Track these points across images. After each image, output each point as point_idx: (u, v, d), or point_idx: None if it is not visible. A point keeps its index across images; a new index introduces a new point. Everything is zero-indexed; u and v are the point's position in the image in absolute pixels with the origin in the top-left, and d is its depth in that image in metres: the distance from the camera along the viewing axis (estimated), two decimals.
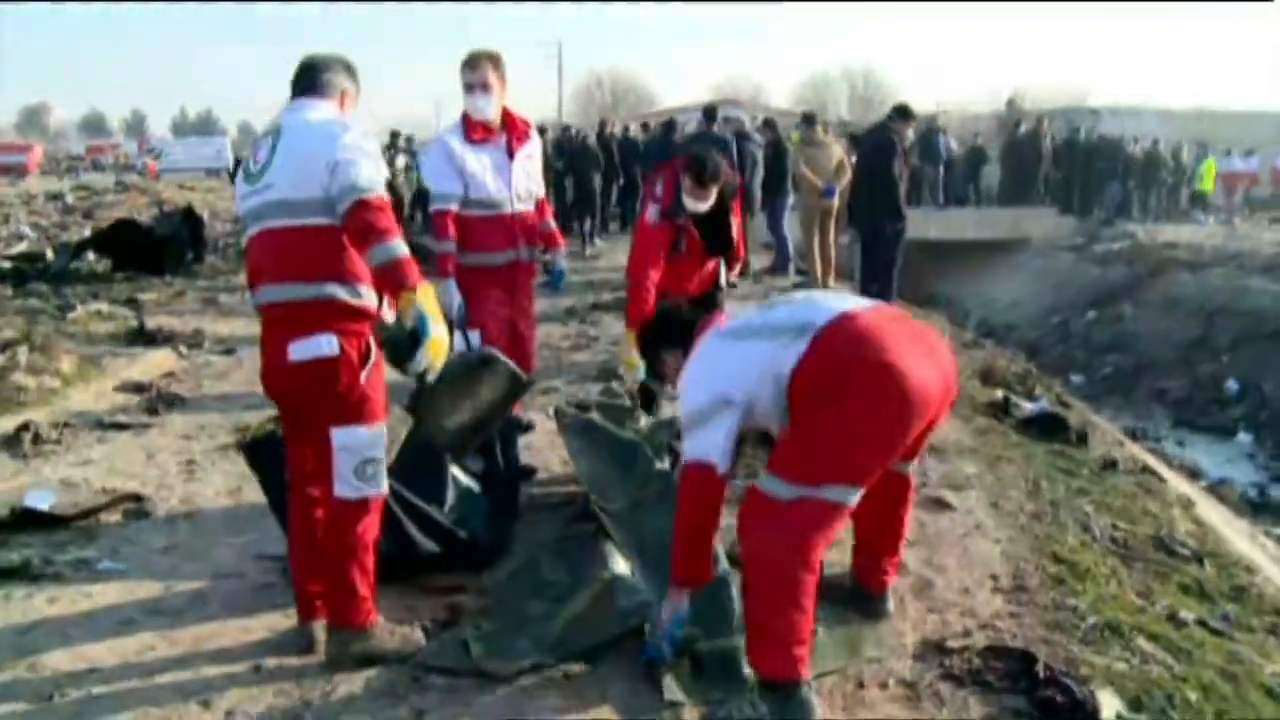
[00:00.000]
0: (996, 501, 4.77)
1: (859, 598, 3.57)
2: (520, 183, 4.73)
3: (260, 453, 3.96)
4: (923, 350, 3.00)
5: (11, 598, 3.83)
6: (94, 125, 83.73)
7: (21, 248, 14.27)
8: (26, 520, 4.51)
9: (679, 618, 3.20)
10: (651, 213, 4.95)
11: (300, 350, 3.11)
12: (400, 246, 3.00)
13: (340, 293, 3.13)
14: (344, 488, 3.22)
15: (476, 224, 4.64)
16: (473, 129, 4.64)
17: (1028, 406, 6.87)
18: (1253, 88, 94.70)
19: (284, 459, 3.46)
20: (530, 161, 4.82)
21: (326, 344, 3.11)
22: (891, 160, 8.92)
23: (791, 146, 12.68)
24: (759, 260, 13.00)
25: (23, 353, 7.35)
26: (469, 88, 4.58)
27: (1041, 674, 3.07)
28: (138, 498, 4.88)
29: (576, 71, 66.74)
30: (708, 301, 5.13)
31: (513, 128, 4.72)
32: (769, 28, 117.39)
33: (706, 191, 4.84)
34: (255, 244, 3.25)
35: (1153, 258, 18.25)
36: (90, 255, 13.17)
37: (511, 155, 4.69)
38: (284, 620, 3.58)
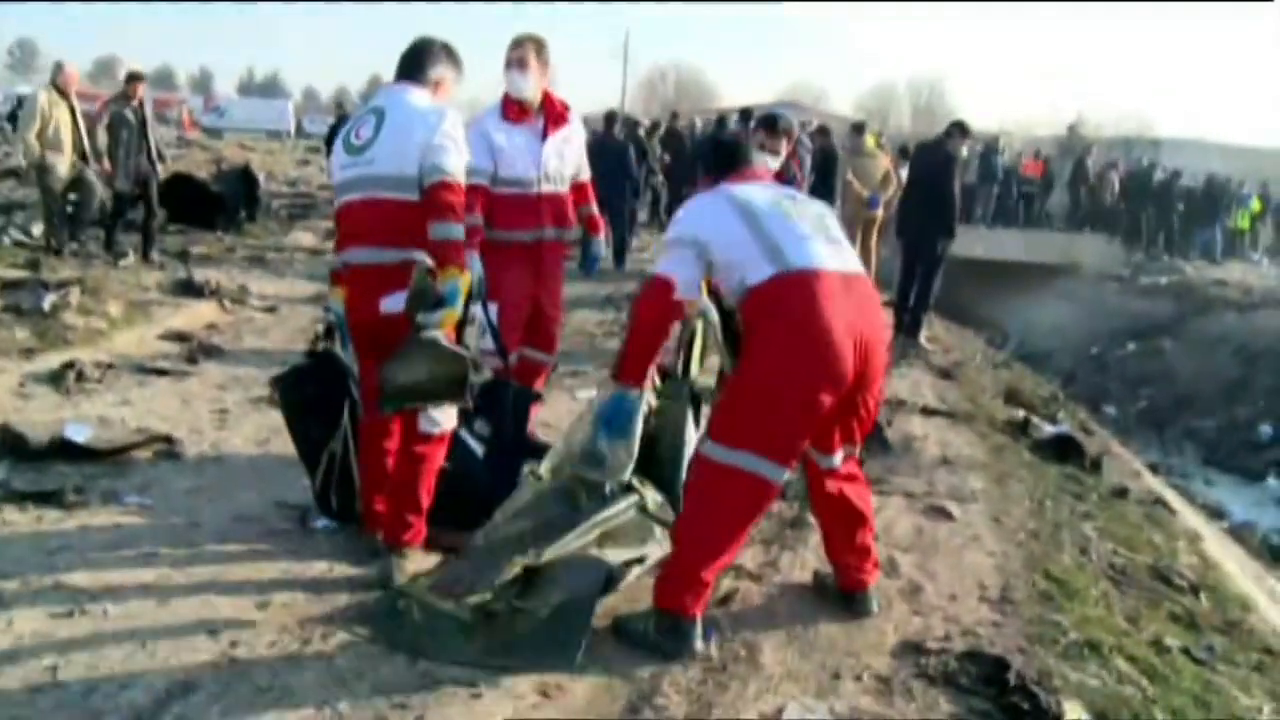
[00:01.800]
0: (998, 517, 4.84)
1: (840, 598, 3.70)
2: (551, 164, 4.83)
3: (290, 386, 4.21)
4: (861, 323, 3.25)
5: (44, 520, 4.04)
6: (163, 79, 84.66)
7: None
8: (63, 451, 4.72)
9: (616, 407, 3.56)
10: None
11: (391, 304, 3.51)
12: (459, 229, 3.46)
13: (422, 256, 3.42)
14: (426, 424, 3.66)
15: (503, 201, 4.76)
16: (509, 108, 4.77)
17: (1047, 429, 6.91)
18: None
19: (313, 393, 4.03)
20: (566, 145, 4.92)
21: None
22: (950, 176, 8.95)
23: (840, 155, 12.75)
24: None
25: (74, 294, 7.64)
26: (508, 64, 4.71)
27: (1012, 681, 3.16)
28: (169, 439, 5.07)
29: (642, 65, 66.49)
30: None
31: (550, 110, 4.83)
32: (839, 35, 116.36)
33: (778, 144, 4.99)
34: (350, 210, 3.66)
35: (1200, 295, 18.11)
36: None
37: (544, 137, 4.81)
38: (295, 564, 3.76)
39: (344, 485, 4.07)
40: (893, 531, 4.49)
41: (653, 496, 3.94)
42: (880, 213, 11.13)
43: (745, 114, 12.72)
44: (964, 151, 9.50)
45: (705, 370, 4.44)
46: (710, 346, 4.28)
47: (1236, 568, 6.05)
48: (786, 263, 3.23)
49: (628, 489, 3.87)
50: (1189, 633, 4.06)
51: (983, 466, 5.66)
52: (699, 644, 3.27)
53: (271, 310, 8.94)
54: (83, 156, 9.98)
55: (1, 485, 4.33)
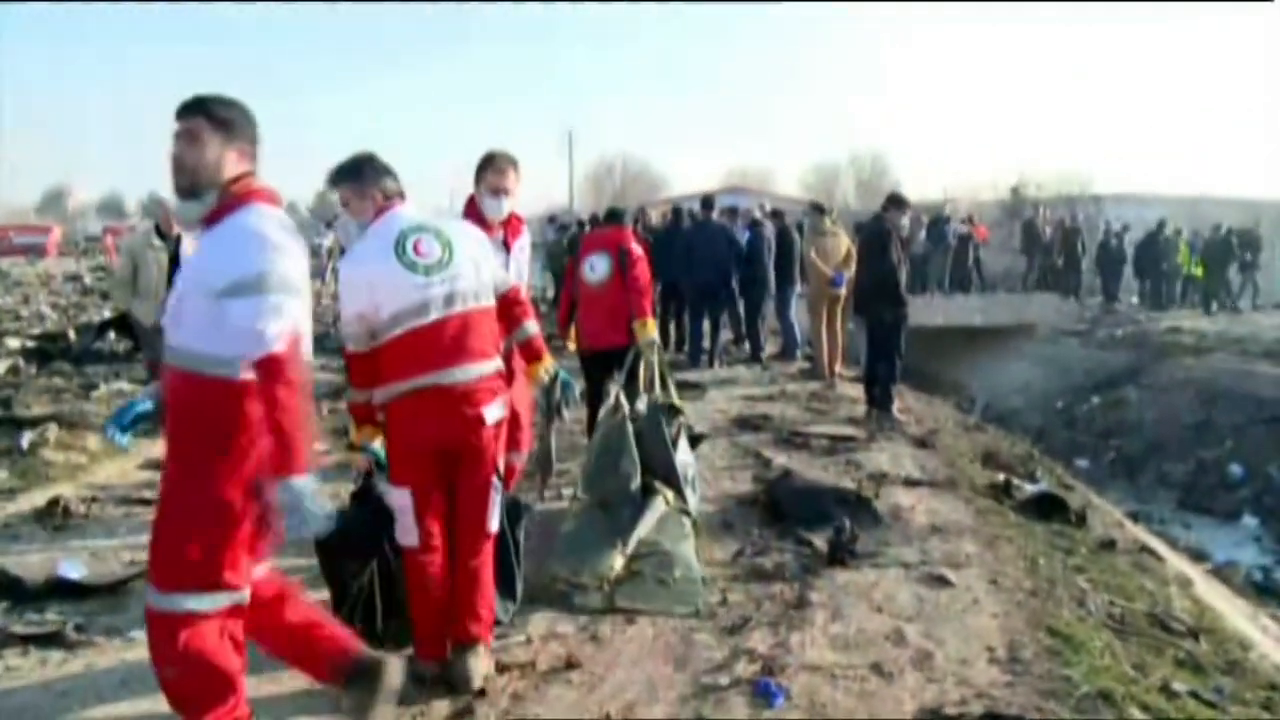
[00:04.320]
0: (995, 579, 4.91)
1: None
2: (515, 275, 4.76)
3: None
4: None
5: (48, 662, 4.01)
6: (112, 207, 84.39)
7: (44, 328, 14.58)
8: (59, 590, 4.69)
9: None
10: None
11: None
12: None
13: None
14: (493, 523, 3.84)
15: None
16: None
17: (1029, 488, 7.01)
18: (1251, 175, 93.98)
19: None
20: (522, 254, 4.99)
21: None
22: (887, 249, 9.11)
23: (799, 235, 13.01)
24: (768, 346, 13.20)
25: (52, 430, 7.60)
26: (494, 191, 4.72)
27: None
28: None
29: (587, 158, 67.16)
30: None
31: (508, 221, 4.88)
32: (778, 115, 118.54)
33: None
34: (443, 328, 3.64)
35: (1156, 343, 18.48)
36: (111, 335, 13.45)
37: (508, 249, 4.86)
38: (308, 686, 3.72)
39: (368, 618, 3.97)
40: (895, 602, 4.55)
41: (669, 494, 5.23)
42: (844, 291, 11.26)
43: (706, 202, 12.91)
44: (904, 222, 9.66)
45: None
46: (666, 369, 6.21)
47: (1228, 608, 6.15)
48: None
49: (649, 491, 5.15)
50: (1196, 676, 4.14)
51: (972, 531, 5.74)
52: None
53: None
54: None
55: (0, 630, 4.28)
